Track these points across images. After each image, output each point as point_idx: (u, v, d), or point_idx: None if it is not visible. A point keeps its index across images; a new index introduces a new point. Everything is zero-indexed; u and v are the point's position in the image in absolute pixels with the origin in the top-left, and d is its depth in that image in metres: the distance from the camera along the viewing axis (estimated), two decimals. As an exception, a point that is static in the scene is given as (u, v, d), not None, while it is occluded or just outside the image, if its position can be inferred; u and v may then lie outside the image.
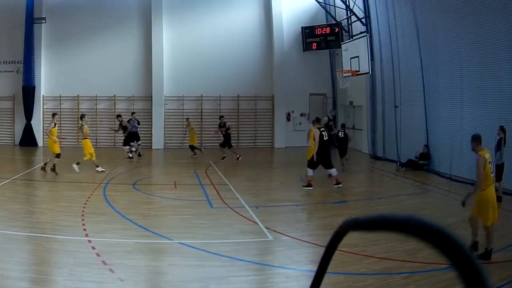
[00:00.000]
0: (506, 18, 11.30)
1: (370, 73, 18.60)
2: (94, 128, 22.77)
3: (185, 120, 20.35)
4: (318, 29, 22.95)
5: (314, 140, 11.82)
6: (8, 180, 12.68)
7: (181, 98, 22.96)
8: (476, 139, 6.98)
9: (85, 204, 9.96)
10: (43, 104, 22.83)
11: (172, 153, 21.35)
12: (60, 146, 14.44)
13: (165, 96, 22.90)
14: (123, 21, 22.98)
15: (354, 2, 19.71)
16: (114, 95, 22.79)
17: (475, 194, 6.69)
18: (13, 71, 22.79)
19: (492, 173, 6.71)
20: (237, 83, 22.80)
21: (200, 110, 23.15)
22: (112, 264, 6.18)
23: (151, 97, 22.85)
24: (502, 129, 10.33)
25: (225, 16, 23.15)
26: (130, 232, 7.98)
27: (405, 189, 12.93)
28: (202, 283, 5.84)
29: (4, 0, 22.20)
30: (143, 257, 6.86)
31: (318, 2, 21.40)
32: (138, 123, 18.95)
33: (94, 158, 14.41)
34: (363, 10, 19.49)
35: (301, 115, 23.45)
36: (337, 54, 22.56)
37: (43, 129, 22.81)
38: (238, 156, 17.50)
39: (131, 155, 17.89)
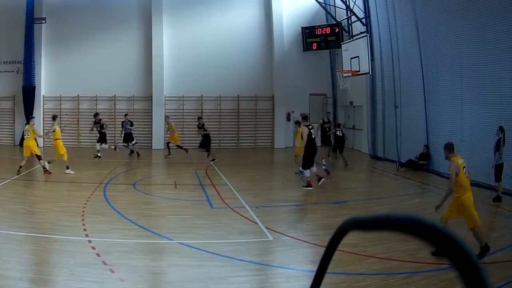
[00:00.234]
0: (506, 18, 11.30)
1: (370, 73, 18.60)
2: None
3: (166, 118, 20.14)
4: (318, 29, 22.95)
5: (302, 138, 11.87)
6: (8, 180, 12.68)
7: (181, 98, 22.96)
8: (448, 147, 7.05)
9: (85, 204, 9.96)
10: (43, 104, 22.83)
11: (172, 153, 21.34)
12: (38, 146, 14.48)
13: (165, 96, 22.91)
14: (123, 21, 22.99)
15: (354, 2, 19.71)
16: (114, 95, 22.80)
17: (446, 199, 6.78)
18: (13, 71, 22.79)
19: (467, 177, 6.78)
20: (237, 83, 22.80)
21: (200, 110, 23.14)
22: (112, 264, 6.18)
23: (151, 97, 22.85)
24: (501, 129, 10.34)
25: (225, 16, 23.16)
26: (130, 232, 7.98)
27: (405, 189, 12.93)
28: (202, 283, 5.84)
29: (4, 0, 22.20)
30: (143, 257, 6.86)
31: (318, 2, 21.40)
32: (131, 124, 19.18)
33: (66, 159, 14.31)
34: (363, 10, 19.49)
35: (301, 115, 23.43)
36: (337, 54, 22.56)
37: (43, 129, 22.83)
38: (213, 158, 17.36)
39: (99, 155, 18.08)
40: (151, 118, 22.86)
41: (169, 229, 8.36)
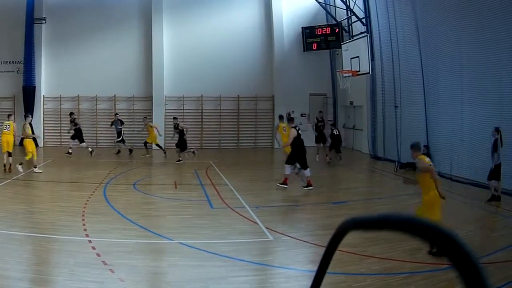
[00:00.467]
0: (506, 18, 11.29)
1: (370, 73, 18.60)
2: (95, 129, 22.79)
3: (144, 119, 20.01)
4: (319, 29, 22.95)
5: (288, 138, 12.06)
6: (8, 181, 12.68)
7: (181, 98, 22.96)
8: (414, 147, 7.26)
9: (86, 204, 9.96)
10: (43, 104, 22.84)
11: (172, 153, 21.33)
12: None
13: (165, 96, 22.91)
14: (123, 21, 22.99)
15: (355, 2, 19.71)
16: (115, 95, 22.80)
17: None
18: (14, 71, 22.79)
19: (431, 177, 6.84)
20: (237, 83, 22.80)
21: (200, 110, 23.15)
22: (113, 264, 6.18)
23: (151, 97, 22.85)
24: (497, 130, 10.39)
25: (225, 16, 23.16)
26: (130, 232, 7.98)
27: (405, 189, 12.88)
28: (202, 283, 5.84)
29: (4, 0, 22.20)
30: (144, 257, 6.86)
31: (319, 2, 21.40)
32: (121, 123, 19.47)
33: (35, 158, 14.28)
34: (364, 10, 19.49)
35: (302, 115, 23.44)
36: (338, 54, 22.56)
37: (43, 129, 22.85)
38: (179, 159, 17.23)
39: (70, 151, 18.46)
40: (151, 118, 22.83)
41: (169, 229, 8.36)
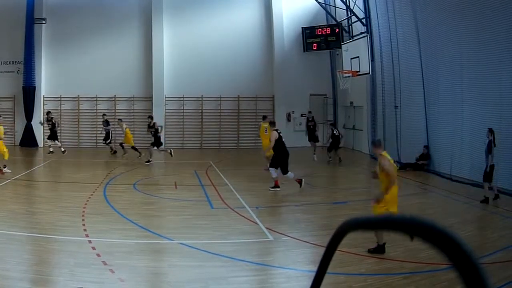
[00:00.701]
0: (507, 18, 11.29)
1: (370, 73, 18.60)
2: (95, 129, 22.78)
3: (118, 120, 19.89)
4: (319, 29, 22.94)
5: (270, 140, 12.05)
6: (9, 181, 12.68)
7: (182, 99, 22.96)
8: (375, 144, 7.44)
9: (86, 204, 9.96)
10: (43, 104, 22.83)
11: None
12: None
13: (165, 97, 22.91)
14: (123, 21, 22.99)
15: (355, 3, 19.71)
16: (115, 95, 22.80)
17: (388, 190, 6.90)
18: (14, 72, 22.78)
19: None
20: (237, 84, 22.79)
21: (200, 111, 23.15)
22: (113, 265, 6.18)
23: (152, 97, 22.85)
24: (490, 131, 10.42)
25: (225, 17, 23.16)
26: (130, 233, 7.98)
27: (405, 190, 12.89)
28: (203, 283, 5.84)
29: (4, 0, 22.20)
30: (144, 258, 6.85)
31: (319, 3, 21.40)
32: (107, 124, 19.48)
33: (6, 158, 14.23)
34: (364, 11, 19.49)
35: (302, 115, 23.43)
36: (338, 54, 22.55)
37: (43, 129, 22.83)
38: (149, 159, 16.96)
39: (51, 150, 18.50)
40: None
41: (169, 229, 8.37)
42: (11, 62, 22.80)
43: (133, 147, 18.60)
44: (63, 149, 18.64)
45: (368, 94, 19.90)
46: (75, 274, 5.86)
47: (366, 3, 19.31)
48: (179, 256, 6.92)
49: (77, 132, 22.97)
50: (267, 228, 8.23)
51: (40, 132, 22.50)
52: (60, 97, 22.88)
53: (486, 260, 6.15)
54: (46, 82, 22.87)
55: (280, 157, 11.90)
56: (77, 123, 23.04)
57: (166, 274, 6.28)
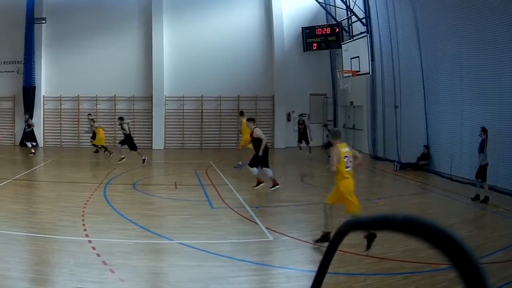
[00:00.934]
0: (507, 18, 11.29)
1: (370, 73, 18.60)
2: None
3: (90, 120, 19.95)
4: (319, 29, 22.94)
5: (259, 135, 11.86)
6: (9, 181, 12.68)
7: (182, 99, 22.96)
8: (332, 133, 7.72)
9: (86, 204, 9.96)
10: (43, 104, 22.83)
11: (172, 153, 21.37)
12: None
13: (165, 97, 22.91)
14: (123, 21, 22.99)
15: (355, 3, 19.71)
16: (115, 95, 22.80)
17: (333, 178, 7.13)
18: (14, 72, 22.79)
19: (347, 167, 7.06)
20: (237, 84, 22.79)
21: (200, 111, 23.15)
22: (113, 265, 6.18)
23: (152, 97, 22.85)
24: (483, 130, 10.42)
25: (225, 16, 23.15)
26: (130, 232, 7.98)
27: (405, 190, 12.93)
28: (202, 283, 5.84)
29: (4, 0, 22.20)
30: (144, 257, 6.86)
31: (319, 3, 21.40)
32: (93, 122, 19.49)
33: None
34: (364, 10, 19.49)
35: (302, 115, 23.44)
36: (338, 54, 22.55)
37: (43, 129, 22.84)
38: (121, 158, 16.51)
39: (33, 151, 18.84)
40: (151, 119, 22.86)
41: (169, 229, 8.37)
42: (11, 62, 22.80)
43: (102, 146, 18.62)
44: (33, 150, 18.91)
45: (368, 94, 19.90)
46: (75, 274, 5.86)
47: (366, 3, 19.31)
48: (179, 256, 6.93)
49: (77, 132, 22.96)
50: (267, 228, 8.23)
51: (40, 132, 22.52)
52: (60, 97, 22.87)
53: (486, 260, 6.15)
54: (46, 82, 22.86)
55: (262, 155, 11.81)
56: (77, 123, 23.03)
57: (166, 274, 6.28)
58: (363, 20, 19.29)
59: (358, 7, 19.64)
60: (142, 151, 17.14)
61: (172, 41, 23.01)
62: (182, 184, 13.08)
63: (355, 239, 6.73)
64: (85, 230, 7.94)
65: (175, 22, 23.08)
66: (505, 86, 11.61)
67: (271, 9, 23.11)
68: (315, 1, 21.19)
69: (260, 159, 11.87)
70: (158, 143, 22.71)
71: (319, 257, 0.89)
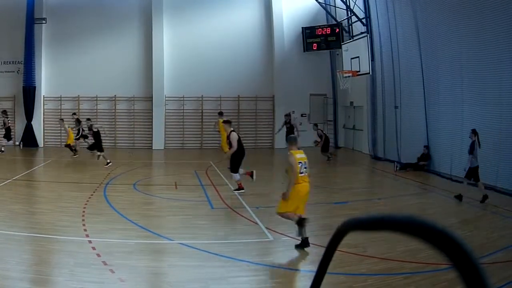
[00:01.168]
0: (507, 18, 11.29)
1: (370, 73, 18.60)
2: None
3: (60, 120, 19.85)
4: (319, 29, 22.94)
5: (232, 145, 11.63)
6: (9, 181, 12.68)
7: (182, 99, 22.96)
8: (288, 141, 7.82)
9: (86, 204, 9.96)
10: (43, 104, 22.84)
11: (172, 153, 21.37)
12: None
13: (165, 97, 22.91)
14: (123, 21, 22.99)
15: (355, 3, 19.71)
16: (115, 95, 22.80)
17: (288, 189, 7.15)
18: (14, 72, 22.79)
19: (301, 173, 7.15)
20: (237, 84, 22.79)
21: (200, 111, 23.15)
22: (113, 265, 6.18)
23: (152, 97, 22.85)
24: (474, 132, 10.43)
25: (225, 16, 23.15)
26: (130, 233, 7.98)
27: (405, 190, 12.93)
28: (203, 283, 5.84)
29: (4, 0, 22.20)
30: (144, 258, 6.86)
31: (319, 3, 21.40)
32: (79, 123, 19.29)
33: None
34: (364, 11, 19.49)
35: (302, 115, 23.45)
36: (338, 54, 22.55)
37: (43, 129, 22.84)
38: (108, 161, 16.08)
39: (3, 149, 19.01)
40: (151, 119, 22.86)
41: (169, 229, 8.37)
42: (11, 62, 22.80)
43: (73, 146, 18.51)
44: (2, 149, 19.00)
45: (368, 94, 19.90)
46: (75, 274, 5.86)
47: (366, 3, 19.31)
48: (179, 256, 6.93)
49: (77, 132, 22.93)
50: (267, 228, 8.23)
51: (40, 132, 22.53)
52: (60, 97, 22.88)
53: (486, 260, 6.15)
54: (46, 82, 22.86)
55: (236, 156, 11.69)
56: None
57: (166, 274, 6.28)
58: (363, 20, 19.29)
59: (358, 7, 19.65)
60: (107, 154, 16.81)
61: (172, 41, 23.01)
62: (182, 184, 13.08)
63: (355, 239, 6.74)
64: (85, 230, 7.94)
65: (175, 22, 23.08)
66: (505, 86, 11.61)
67: (271, 9, 23.10)
68: (315, 1, 21.19)
69: (234, 162, 11.71)
70: (158, 143, 22.71)
71: (319, 257, 0.88)
